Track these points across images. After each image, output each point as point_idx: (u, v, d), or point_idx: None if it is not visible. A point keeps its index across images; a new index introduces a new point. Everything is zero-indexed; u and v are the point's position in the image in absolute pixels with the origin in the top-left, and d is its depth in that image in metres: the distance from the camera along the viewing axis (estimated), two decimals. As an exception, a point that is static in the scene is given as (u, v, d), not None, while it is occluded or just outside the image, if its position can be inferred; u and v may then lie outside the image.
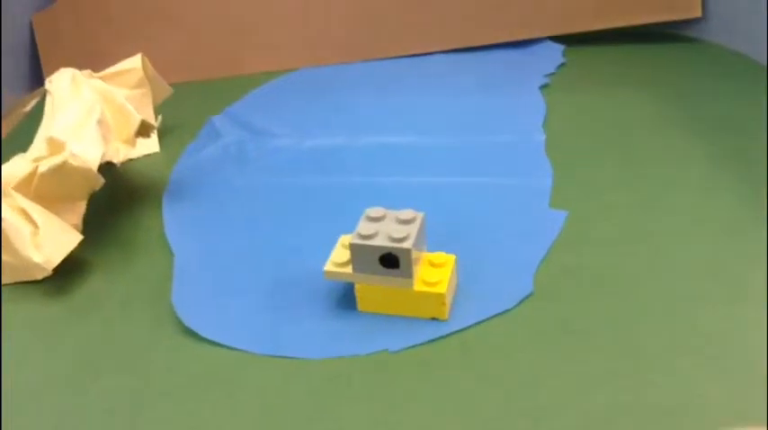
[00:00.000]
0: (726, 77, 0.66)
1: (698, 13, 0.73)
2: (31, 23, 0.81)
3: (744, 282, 0.41)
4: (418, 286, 0.40)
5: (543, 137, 0.58)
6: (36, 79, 0.81)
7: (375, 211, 0.40)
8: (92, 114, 0.49)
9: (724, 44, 0.73)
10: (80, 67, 0.57)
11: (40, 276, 0.46)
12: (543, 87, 0.67)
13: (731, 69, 0.68)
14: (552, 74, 0.70)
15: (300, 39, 0.79)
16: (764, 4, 0.65)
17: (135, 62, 0.60)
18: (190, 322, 0.42)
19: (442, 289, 0.39)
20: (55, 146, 0.47)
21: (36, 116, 0.59)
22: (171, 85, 0.65)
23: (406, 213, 0.40)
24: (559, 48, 0.74)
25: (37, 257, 0.45)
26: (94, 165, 0.47)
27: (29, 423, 0.37)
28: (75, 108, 0.50)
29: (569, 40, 0.75)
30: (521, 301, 0.41)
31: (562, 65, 0.72)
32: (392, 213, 0.40)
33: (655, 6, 0.73)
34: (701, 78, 0.67)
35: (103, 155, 0.48)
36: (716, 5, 0.73)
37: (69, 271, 0.47)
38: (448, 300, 0.40)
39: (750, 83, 0.64)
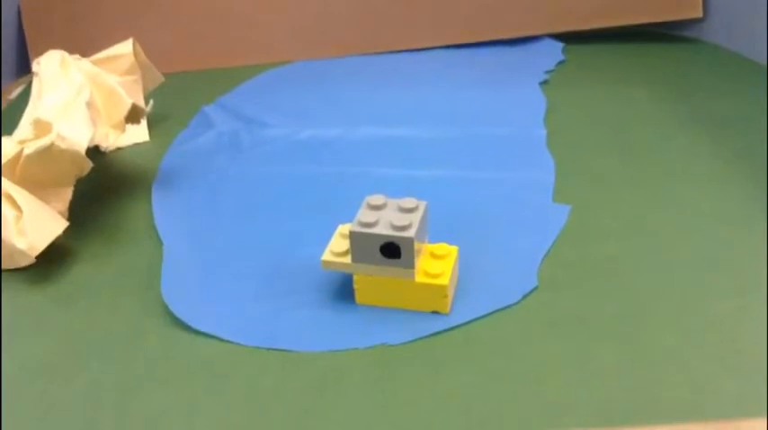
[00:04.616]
0: (726, 76, 0.66)
1: (699, 14, 0.72)
2: (18, 8, 0.79)
3: (750, 274, 0.40)
4: (420, 277, 0.38)
5: (544, 132, 0.57)
6: (22, 66, 0.78)
7: (376, 199, 0.39)
8: (80, 96, 0.47)
9: (723, 44, 0.72)
10: (69, 53, 0.55)
11: (23, 263, 0.44)
12: (543, 83, 0.66)
13: (731, 69, 0.67)
14: (552, 71, 0.69)
15: (297, 31, 0.77)
16: (764, 5, 0.65)
17: (126, 47, 0.58)
18: (179, 312, 0.40)
19: (444, 280, 0.38)
20: (41, 127, 0.45)
21: (21, 103, 0.57)
22: (163, 75, 0.63)
23: (409, 202, 0.38)
24: (559, 45, 0.73)
25: (20, 243, 0.43)
26: (83, 148, 0.45)
27: (14, 412, 0.35)
28: (63, 89, 0.48)
29: (569, 37, 0.74)
30: (525, 295, 0.40)
31: (562, 62, 0.71)
32: (394, 201, 0.39)
33: (655, 6, 0.73)
34: (702, 77, 0.66)
35: (92, 138, 0.46)
36: (715, 6, 0.72)
37: (54, 258, 0.45)
38: (450, 293, 0.39)
39: (750, 82, 0.64)
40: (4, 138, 0.47)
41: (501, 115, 0.60)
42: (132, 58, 0.58)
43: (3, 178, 0.45)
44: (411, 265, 0.37)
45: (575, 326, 0.38)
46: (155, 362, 0.37)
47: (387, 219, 0.37)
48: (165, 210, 0.51)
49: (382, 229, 0.37)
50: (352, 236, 0.37)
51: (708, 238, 0.44)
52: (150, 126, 0.63)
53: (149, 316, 0.41)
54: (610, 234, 0.45)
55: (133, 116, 0.53)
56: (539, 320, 0.38)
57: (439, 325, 0.38)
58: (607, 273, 0.41)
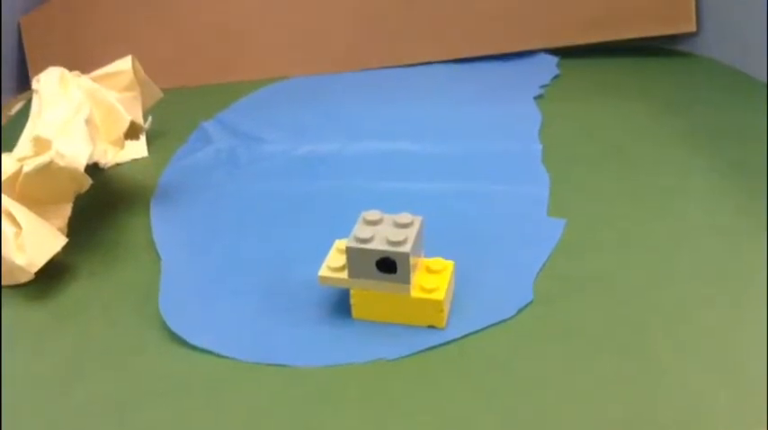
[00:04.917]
0: (720, 90, 0.66)
1: (692, 28, 0.73)
2: (18, 25, 0.79)
3: (747, 287, 0.41)
4: (415, 292, 0.38)
5: (539, 146, 0.58)
6: (21, 83, 0.79)
7: (372, 215, 0.39)
8: (80, 113, 0.48)
9: (717, 58, 0.73)
10: (69, 70, 0.55)
11: (22, 279, 0.45)
12: (538, 98, 0.67)
13: (725, 82, 0.68)
14: (547, 85, 0.70)
15: (295, 46, 0.78)
16: (758, 18, 0.65)
17: (125, 64, 0.58)
18: (177, 328, 0.41)
19: (439, 296, 0.38)
20: (41, 145, 0.46)
21: (21, 120, 0.57)
22: (161, 90, 0.63)
23: (404, 217, 0.39)
24: (554, 59, 0.74)
25: (19, 259, 0.44)
26: (82, 166, 0.45)
27: (13, 426, 0.35)
28: (62, 106, 0.49)
29: (564, 52, 0.75)
30: (521, 309, 0.40)
31: (557, 76, 0.71)
32: (390, 217, 0.39)
33: (649, 20, 0.73)
34: (696, 91, 0.67)
35: (90, 155, 0.47)
36: (709, 20, 0.73)
37: (53, 275, 0.46)
38: (446, 308, 0.39)
39: (745, 95, 0.64)
40: (3, 155, 0.47)
41: (496, 130, 0.61)
42: (131, 75, 0.58)
43: (2, 195, 0.45)
44: (407, 280, 0.38)
45: (570, 340, 0.38)
46: (152, 378, 0.38)
47: (382, 234, 0.38)
48: (164, 226, 0.51)
49: (378, 245, 0.37)
50: (349, 251, 0.38)
51: (704, 251, 0.44)
52: (149, 142, 0.64)
53: (147, 331, 0.41)
54: (605, 247, 0.45)
55: (132, 132, 0.54)
56: (534, 334, 0.39)
57: (435, 339, 0.38)
58: (602, 287, 0.42)
